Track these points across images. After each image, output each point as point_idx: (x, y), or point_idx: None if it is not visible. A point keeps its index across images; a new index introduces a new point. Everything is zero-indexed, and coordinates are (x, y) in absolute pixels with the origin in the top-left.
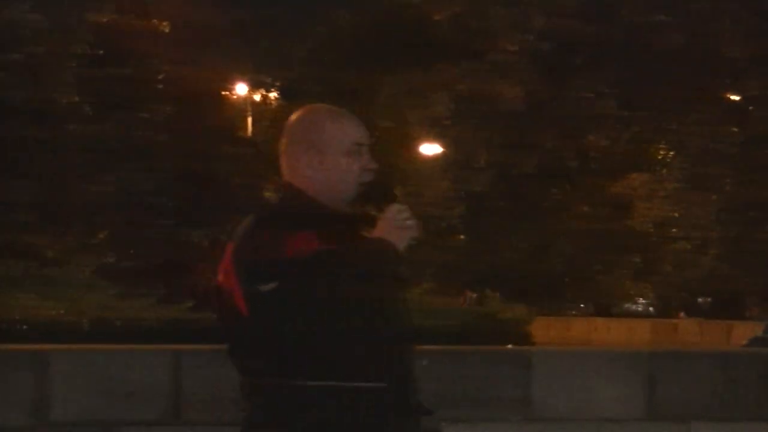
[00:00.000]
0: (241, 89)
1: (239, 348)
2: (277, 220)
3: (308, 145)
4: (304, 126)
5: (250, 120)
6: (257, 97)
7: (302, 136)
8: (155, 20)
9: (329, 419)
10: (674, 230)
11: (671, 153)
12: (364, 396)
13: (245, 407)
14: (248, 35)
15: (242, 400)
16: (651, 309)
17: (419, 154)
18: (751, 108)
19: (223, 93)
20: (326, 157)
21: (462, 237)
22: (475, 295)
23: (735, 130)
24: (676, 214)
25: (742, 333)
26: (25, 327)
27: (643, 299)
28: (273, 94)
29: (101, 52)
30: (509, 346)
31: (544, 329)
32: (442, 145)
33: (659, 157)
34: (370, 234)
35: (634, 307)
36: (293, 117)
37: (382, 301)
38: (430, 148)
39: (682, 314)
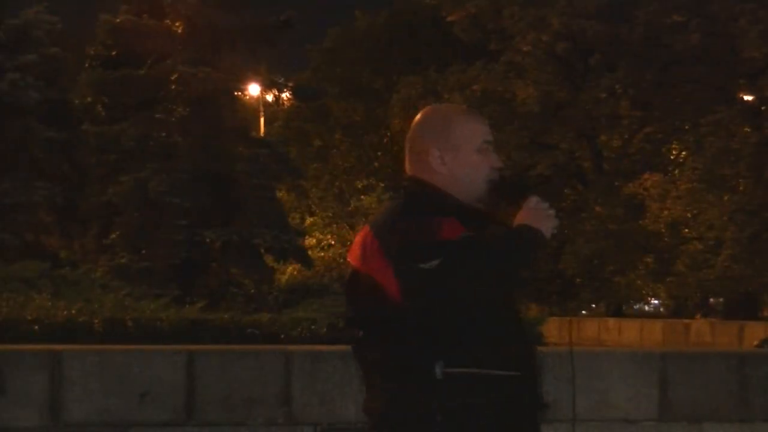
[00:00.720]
0: (254, 90)
1: (388, 332)
2: (424, 207)
3: (442, 141)
4: (437, 122)
5: (262, 120)
6: (270, 98)
7: (435, 132)
8: (168, 21)
9: (481, 406)
10: (687, 231)
11: (683, 153)
12: (505, 384)
13: (376, 396)
14: (264, 36)
15: (371, 388)
16: (661, 309)
17: None
18: (763, 108)
19: (237, 93)
20: (459, 153)
21: None
22: None
23: (748, 130)
24: (689, 215)
25: (755, 333)
26: (36, 327)
27: (656, 299)
28: (285, 95)
29: (114, 53)
30: None
31: (557, 330)
32: None
33: (672, 158)
34: (515, 223)
35: (645, 307)
36: (423, 114)
37: (525, 284)
38: None
39: (698, 316)
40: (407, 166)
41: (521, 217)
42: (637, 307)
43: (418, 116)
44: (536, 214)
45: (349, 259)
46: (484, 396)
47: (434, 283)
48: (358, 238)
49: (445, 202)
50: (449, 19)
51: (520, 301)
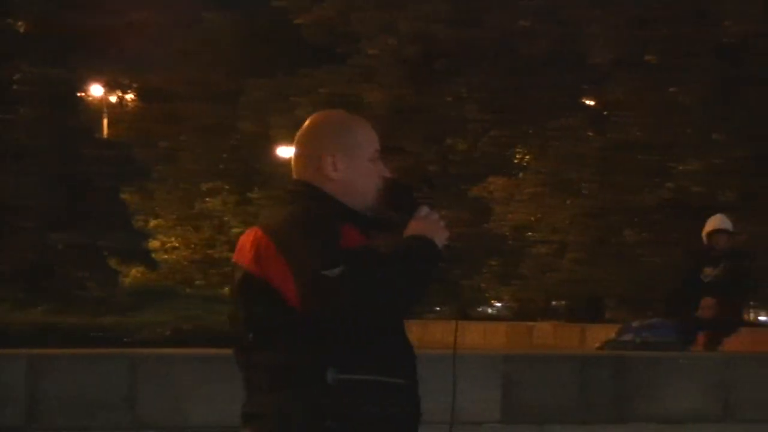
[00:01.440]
0: (96, 91)
1: (281, 336)
2: (321, 212)
3: (336, 147)
4: (331, 129)
5: (105, 122)
6: (113, 99)
7: (329, 138)
8: (11, 20)
9: (371, 413)
10: (532, 234)
11: (528, 157)
12: (394, 392)
13: (261, 401)
14: (112, 37)
15: (256, 392)
16: (504, 312)
17: (282, 158)
18: (606, 113)
19: (81, 95)
20: (353, 160)
21: None
22: None
23: (592, 134)
24: (534, 218)
25: (597, 336)
26: None
27: (501, 303)
28: (130, 96)
29: None
30: None
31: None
32: None
33: (517, 161)
34: (406, 234)
35: (489, 310)
36: (316, 119)
37: (423, 295)
38: (292, 152)
39: (540, 318)
40: (295, 170)
41: (413, 228)
42: (480, 309)
43: (310, 121)
44: (428, 225)
45: (237, 261)
46: (374, 403)
47: (335, 290)
48: (246, 240)
49: (340, 209)
50: (297, 22)
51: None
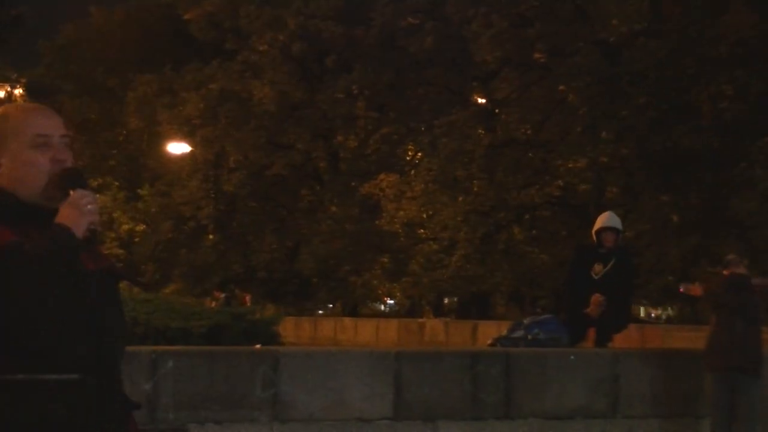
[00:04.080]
0: None
1: None
2: None
3: (1, 143)
4: None
5: None
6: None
7: None
8: None
9: (14, 417)
10: (422, 231)
11: (419, 154)
12: (57, 390)
13: None
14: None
15: None
16: (396, 309)
17: (170, 153)
18: (496, 111)
19: None
20: (9, 150)
21: (212, 237)
22: (224, 296)
23: (482, 132)
24: (424, 215)
25: (487, 332)
26: None
27: (392, 299)
28: (18, 91)
29: None
30: (258, 346)
31: (293, 329)
32: (193, 145)
33: (408, 158)
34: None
35: (381, 306)
36: None
37: (70, 291)
38: (181, 148)
39: (431, 315)
40: None
41: (60, 215)
42: (373, 306)
43: None
44: (72, 211)
45: None
46: (37, 404)
47: None
48: None
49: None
50: (186, 17)
51: (103, 292)
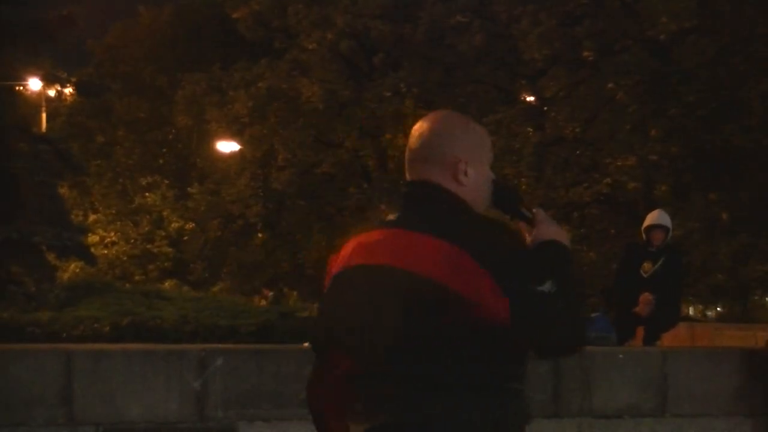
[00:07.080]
0: (35, 85)
1: (459, 347)
2: (494, 219)
3: (467, 152)
4: (461, 133)
5: (44, 116)
6: (52, 93)
7: (462, 144)
8: None
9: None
10: None
11: None
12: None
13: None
14: (45, 31)
15: (405, 403)
16: None
17: (219, 152)
18: (545, 108)
19: (17, 89)
20: (479, 166)
21: (260, 235)
22: (272, 294)
23: (531, 130)
24: None
25: None
26: None
27: None
28: (68, 90)
29: None
30: (305, 344)
31: None
32: (242, 143)
33: None
34: (536, 238)
35: None
36: (442, 121)
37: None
38: (230, 146)
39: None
40: (420, 172)
41: (543, 233)
42: None
43: (436, 123)
44: (554, 228)
45: (400, 266)
46: (521, 411)
47: (546, 306)
48: (406, 242)
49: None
50: (234, 16)
51: None
